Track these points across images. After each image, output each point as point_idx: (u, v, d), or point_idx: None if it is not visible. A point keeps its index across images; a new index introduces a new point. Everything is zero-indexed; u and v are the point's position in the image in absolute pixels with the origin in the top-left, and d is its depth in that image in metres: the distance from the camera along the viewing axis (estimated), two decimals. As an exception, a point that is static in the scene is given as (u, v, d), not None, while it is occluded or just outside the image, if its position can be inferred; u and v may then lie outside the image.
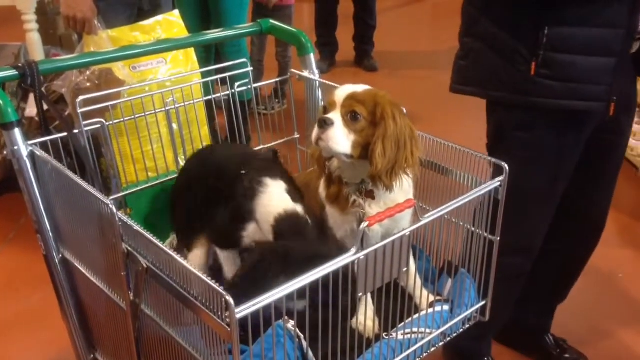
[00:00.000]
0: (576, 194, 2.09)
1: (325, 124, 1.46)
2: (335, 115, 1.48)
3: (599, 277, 3.09)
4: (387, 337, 1.42)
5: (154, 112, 1.72)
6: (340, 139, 1.46)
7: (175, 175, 1.75)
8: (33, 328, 2.38)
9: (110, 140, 1.66)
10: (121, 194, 1.68)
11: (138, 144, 1.79)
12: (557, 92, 1.83)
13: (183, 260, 1.14)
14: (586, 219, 2.20)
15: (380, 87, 1.54)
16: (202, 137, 2.24)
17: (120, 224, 1.25)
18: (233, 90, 1.83)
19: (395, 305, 1.40)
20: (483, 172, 1.54)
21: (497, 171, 1.48)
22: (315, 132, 1.47)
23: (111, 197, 1.64)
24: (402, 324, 1.45)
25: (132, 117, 1.69)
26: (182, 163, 1.78)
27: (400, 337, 1.43)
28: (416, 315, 1.49)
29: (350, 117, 1.48)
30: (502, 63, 1.88)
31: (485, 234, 1.52)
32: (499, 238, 1.53)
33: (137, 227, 1.22)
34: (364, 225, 1.21)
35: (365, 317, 1.46)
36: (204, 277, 1.09)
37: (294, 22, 4.24)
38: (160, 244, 1.18)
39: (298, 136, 1.96)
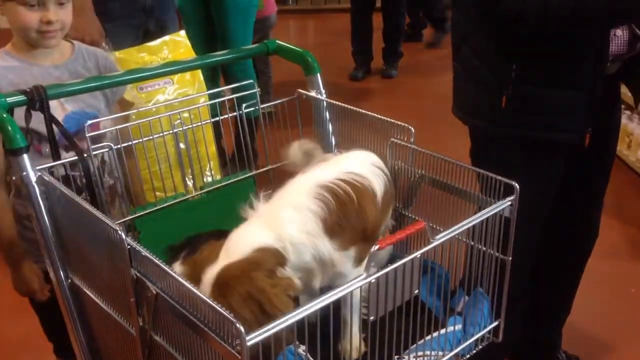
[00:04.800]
0: (565, 206, 2.10)
1: None
2: None
3: (611, 292, 3.06)
4: (399, 361, 1.40)
5: (162, 134, 1.72)
6: None
7: (185, 197, 1.75)
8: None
9: (118, 164, 1.65)
10: (130, 217, 1.67)
11: (146, 165, 1.78)
12: (528, 124, 1.84)
13: (192, 287, 1.13)
14: (578, 225, 2.23)
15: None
16: (209, 155, 2.25)
17: (128, 248, 1.24)
18: (240, 112, 1.83)
19: (407, 325, 1.38)
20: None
21: (507, 190, 1.47)
22: None
23: (119, 221, 1.64)
24: (415, 345, 1.43)
25: (141, 140, 1.69)
26: (189, 184, 1.77)
27: (412, 360, 1.41)
28: (428, 337, 1.47)
29: None
30: (478, 93, 1.91)
31: (497, 254, 1.50)
32: (510, 258, 1.51)
33: (145, 253, 1.21)
34: (374, 248, 1.19)
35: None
36: (214, 303, 1.08)
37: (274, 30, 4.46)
38: (169, 270, 1.17)
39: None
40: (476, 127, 2.01)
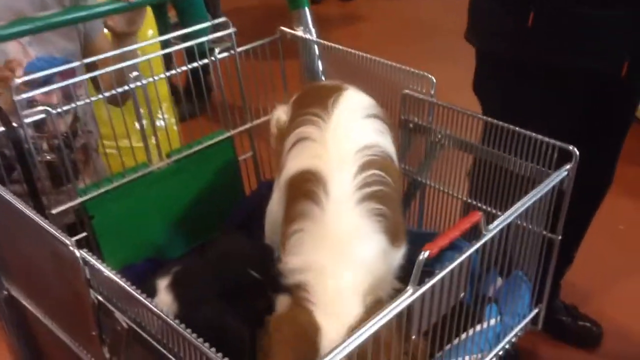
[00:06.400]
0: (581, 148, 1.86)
1: None
2: None
3: (600, 229, 2.89)
4: (435, 373, 1.14)
5: (113, 92, 1.35)
6: None
7: (149, 169, 1.40)
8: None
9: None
10: (79, 200, 1.31)
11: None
12: (558, 48, 1.55)
13: (177, 326, 0.81)
14: (593, 171, 1.98)
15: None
16: (160, 98, 1.84)
17: (85, 268, 0.90)
18: (213, 58, 1.46)
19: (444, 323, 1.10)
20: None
21: (562, 156, 1.18)
22: None
23: (66, 206, 1.29)
24: (449, 347, 1.16)
25: (87, 100, 1.32)
26: (154, 154, 1.42)
27: (452, 370, 1.15)
28: (464, 335, 1.20)
29: None
30: (500, 9, 1.60)
31: (544, 232, 1.23)
32: (560, 237, 1.24)
33: (112, 276, 0.88)
34: (423, 255, 0.89)
35: None
36: (206, 348, 0.77)
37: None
38: (146, 302, 0.84)
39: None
40: (492, 51, 1.69)
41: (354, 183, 1.12)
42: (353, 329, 0.95)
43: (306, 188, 1.13)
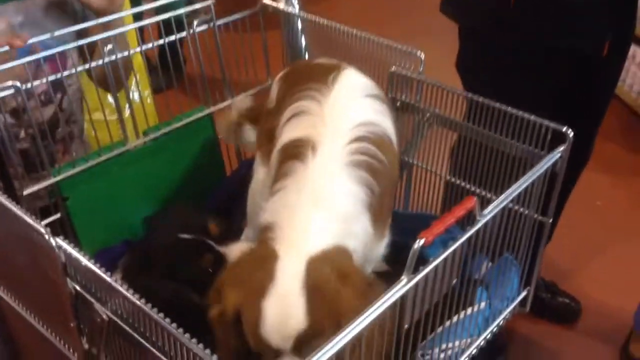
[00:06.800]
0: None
1: None
2: None
3: (578, 205, 2.90)
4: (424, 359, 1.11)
5: (88, 66, 1.28)
6: None
7: (124, 149, 1.33)
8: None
9: (29, 110, 1.22)
10: (52, 179, 1.25)
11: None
12: (541, 27, 1.53)
13: (160, 318, 0.77)
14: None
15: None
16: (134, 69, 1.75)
17: (62, 257, 0.85)
18: (191, 31, 1.39)
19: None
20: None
21: (555, 138, 1.15)
22: None
23: (37, 187, 1.23)
24: (440, 330, 1.13)
25: (59, 74, 1.24)
26: (130, 131, 1.35)
27: (442, 356, 1.12)
28: (455, 318, 1.17)
29: None
30: None
31: (535, 215, 1.20)
32: (551, 220, 1.21)
33: (90, 264, 0.83)
34: (419, 243, 0.86)
35: None
36: (191, 343, 0.74)
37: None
38: (126, 293, 0.80)
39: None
40: (473, 29, 1.66)
41: (346, 149, 1.07)
42: (313, 262, 0.94)
43: (295, 151, 1.08)
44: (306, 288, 0.92)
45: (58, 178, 1.26)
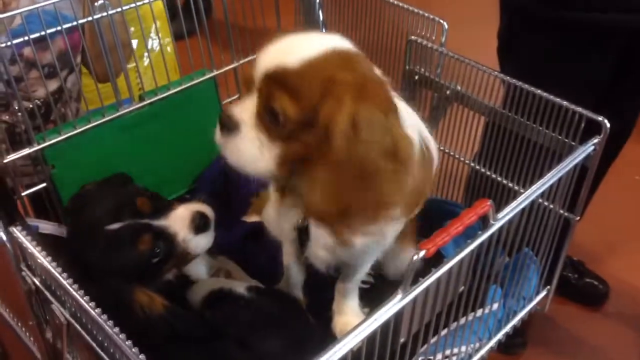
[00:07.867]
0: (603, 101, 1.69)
1: (226, 129, 0.88)
2: (246, 112, 0.87)
3: (616, 180, 2.74)
4: (426, 364, 1.01)
5: (90, 18, 1.17)
6: (251, 153, 0.87)
7: (117, 114, 1.23)
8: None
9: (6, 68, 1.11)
10: (37, 147, 1.16)
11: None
12: (588, 3, 1.38)
13: (112, 331, 0.68)
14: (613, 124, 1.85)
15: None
16: (155, 15, 1.63)
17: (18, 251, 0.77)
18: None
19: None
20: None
21: (590, 129, 1.01)
22: (217, 133, 0.90)
23: (19, 154, 1.13)
24: (445, 332, 1.03)
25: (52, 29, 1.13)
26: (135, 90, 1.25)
27: (444, 362, 1.02)
28: (463, 320, 1.07)
29: (268, 117, 0.84)
30: None
31: (561, 211, 1.08)
32: (578, 218, 1.09)
33: (45, 262, 0.74)
34: (420, 254, 0.74)
35: None
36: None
37: None
38: (83, 302, 0.70)
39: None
40: (524, 7, 1.51)
41: None
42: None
43: None
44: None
45: (43, 145, 1.16)
